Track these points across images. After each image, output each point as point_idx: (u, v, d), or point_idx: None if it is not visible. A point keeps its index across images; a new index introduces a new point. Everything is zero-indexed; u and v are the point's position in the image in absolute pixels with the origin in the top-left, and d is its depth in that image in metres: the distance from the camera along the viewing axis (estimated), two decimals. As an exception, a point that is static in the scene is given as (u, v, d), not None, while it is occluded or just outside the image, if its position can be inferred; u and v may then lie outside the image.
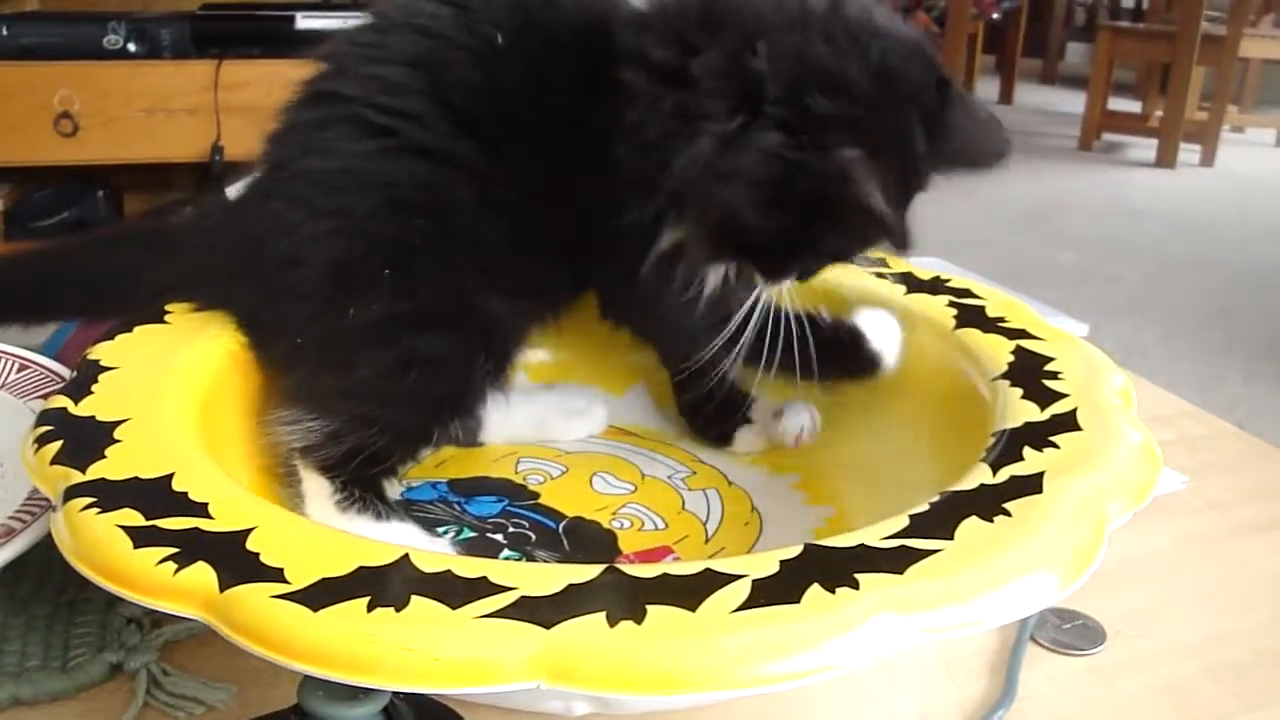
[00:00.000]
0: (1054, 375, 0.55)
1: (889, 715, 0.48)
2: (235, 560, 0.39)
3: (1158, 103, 4.20)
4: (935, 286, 0.68)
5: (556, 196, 0.57)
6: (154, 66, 1.89)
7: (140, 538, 0.40)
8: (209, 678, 0.47)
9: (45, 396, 0.58)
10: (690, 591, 0.37)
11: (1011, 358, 0.58)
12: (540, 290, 0.61)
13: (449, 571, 0.38)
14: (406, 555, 0.39)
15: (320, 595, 0.37)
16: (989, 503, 0.43)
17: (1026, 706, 0.49)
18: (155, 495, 0.43)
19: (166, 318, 0.59)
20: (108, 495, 0.43)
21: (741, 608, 0.37)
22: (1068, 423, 0.50)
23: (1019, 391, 0.54)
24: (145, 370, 0.54)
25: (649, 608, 0.36)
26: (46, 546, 0.45)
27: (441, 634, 0.36)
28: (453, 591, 0.37)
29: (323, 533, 0.43)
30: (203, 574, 0.38)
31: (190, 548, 0.39)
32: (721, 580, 0.38)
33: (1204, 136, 3.97)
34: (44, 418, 0.50)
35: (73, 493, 0.43)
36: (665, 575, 0.38)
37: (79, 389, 0.51)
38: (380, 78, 0.56)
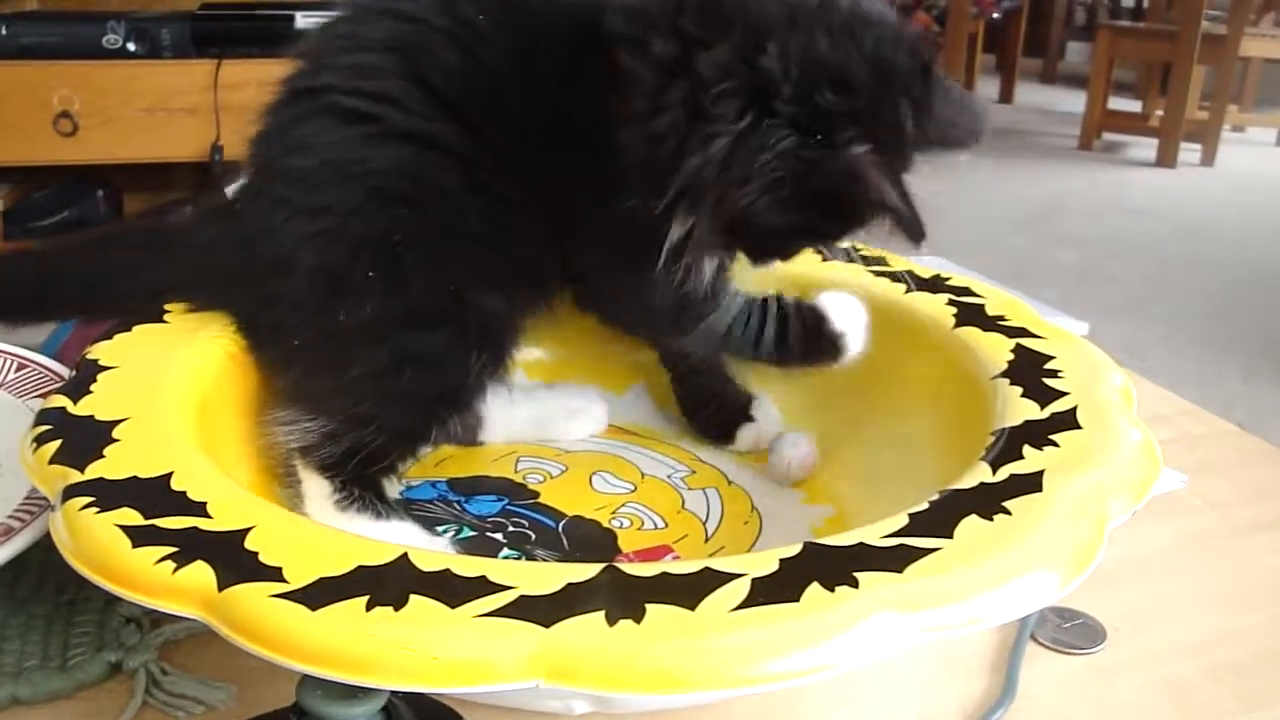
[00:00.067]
0: (1054, 374, 0.55)
1: (889, 715, 0.48)
2: (234, 559, 0.39)
3: (1158, 102, 4.20)
4: (935, 285, 0.68)
5: (542, 180, 0.56)
6: (154, 66, 1.88)
7: (139, 537, 0.40)
8: (208, 677, 0.47)
9: (44, 395, 0.58)
10: (689, 590, 0.37)
11: (1011, 356, 0.58)
12: (530, 278, 0.60)
13: (448, 570, 0.38)
14: (405, 554, 0.39)
15: (319, 594, 0.37)
16: (989, 501, 0.43)
17: (1026, 705, 0.49)
18: (154, 494, 0.43)
19: (165, 317, 0.59)
20: (106, 494, 0.43)
21: (741, 606, 0.37)
22: (1068, 421, 0.50)
23: (1019, 390, 0.54)
24: (144, 370, 0.54)
25: (648, 607, 0.36)
26: (45, 546, 0.45)
27: (440, 633, 0.36)
28: (452, 590, 0.37)
29: (321, 532, 0.43)
30: (201, 573, 0.38)
31: (189, 547, 0.39)
32: (721, 579, 0.38)
33: (1204, 136, 3.96)
34: (43, 417, 0.50)
35: (71, 492, 0.43)
36: (664, 574, 0.38)
37: (78, 388, 0.51)
38: (357, 65, 0.55)
